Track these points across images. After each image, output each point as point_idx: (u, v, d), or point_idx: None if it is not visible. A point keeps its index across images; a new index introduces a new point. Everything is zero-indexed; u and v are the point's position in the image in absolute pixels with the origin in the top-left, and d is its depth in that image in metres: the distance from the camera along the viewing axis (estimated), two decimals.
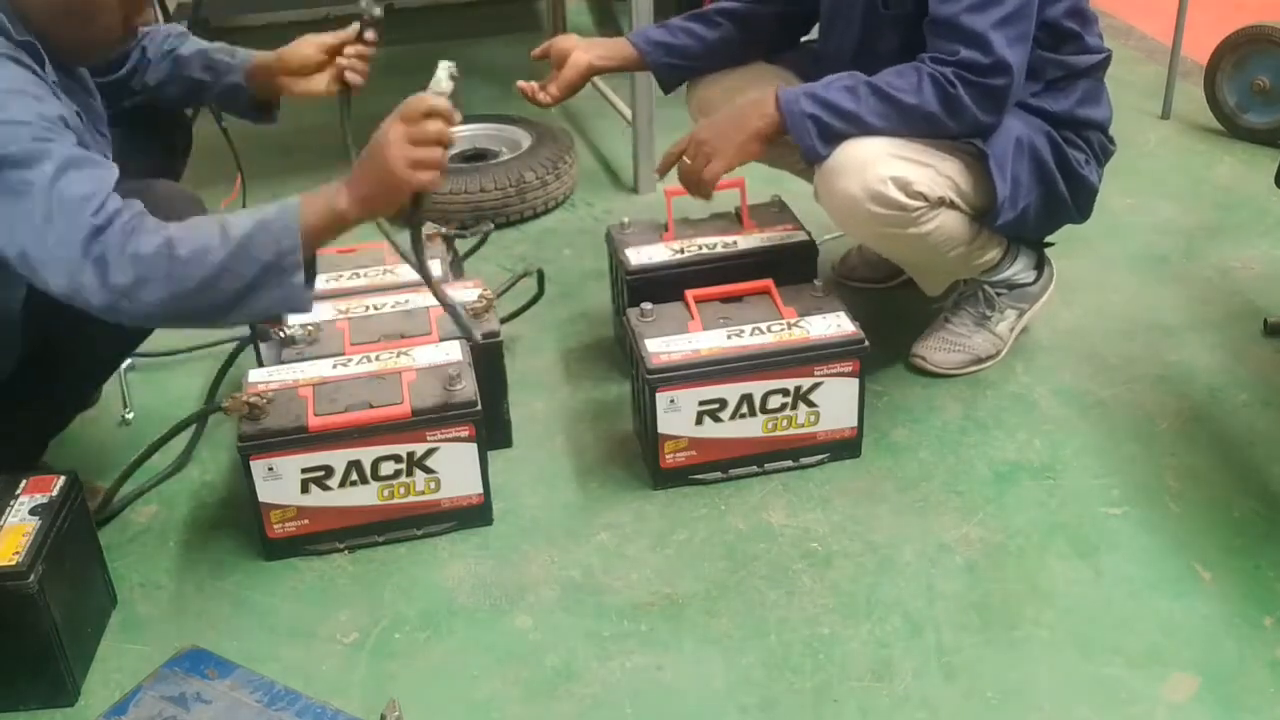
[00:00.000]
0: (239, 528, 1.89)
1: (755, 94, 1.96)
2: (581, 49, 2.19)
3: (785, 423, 1.95)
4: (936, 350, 2.21)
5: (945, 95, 1.85)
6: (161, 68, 1.93)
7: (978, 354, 2.22)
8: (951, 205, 1.95)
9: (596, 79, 3.40)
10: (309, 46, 1.92)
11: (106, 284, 1.45)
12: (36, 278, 1.48)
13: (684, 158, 1.97)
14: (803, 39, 2.33)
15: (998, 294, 2.21)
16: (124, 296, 1.45)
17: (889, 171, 1.87)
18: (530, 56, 2.26)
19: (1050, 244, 2.28)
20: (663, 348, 1.89)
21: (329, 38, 1.91)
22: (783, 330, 1.92)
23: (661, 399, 1.88)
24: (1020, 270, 2.21)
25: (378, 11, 1.85)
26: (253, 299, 1.49)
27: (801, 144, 1.90)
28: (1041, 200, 2.02)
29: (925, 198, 1.90)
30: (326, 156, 3.21)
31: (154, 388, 2.27)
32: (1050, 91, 2.02)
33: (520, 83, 2.18)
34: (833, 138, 1.89)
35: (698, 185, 1.97)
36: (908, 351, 2.24)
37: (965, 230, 2.01)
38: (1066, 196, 2.05)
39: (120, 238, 1.45)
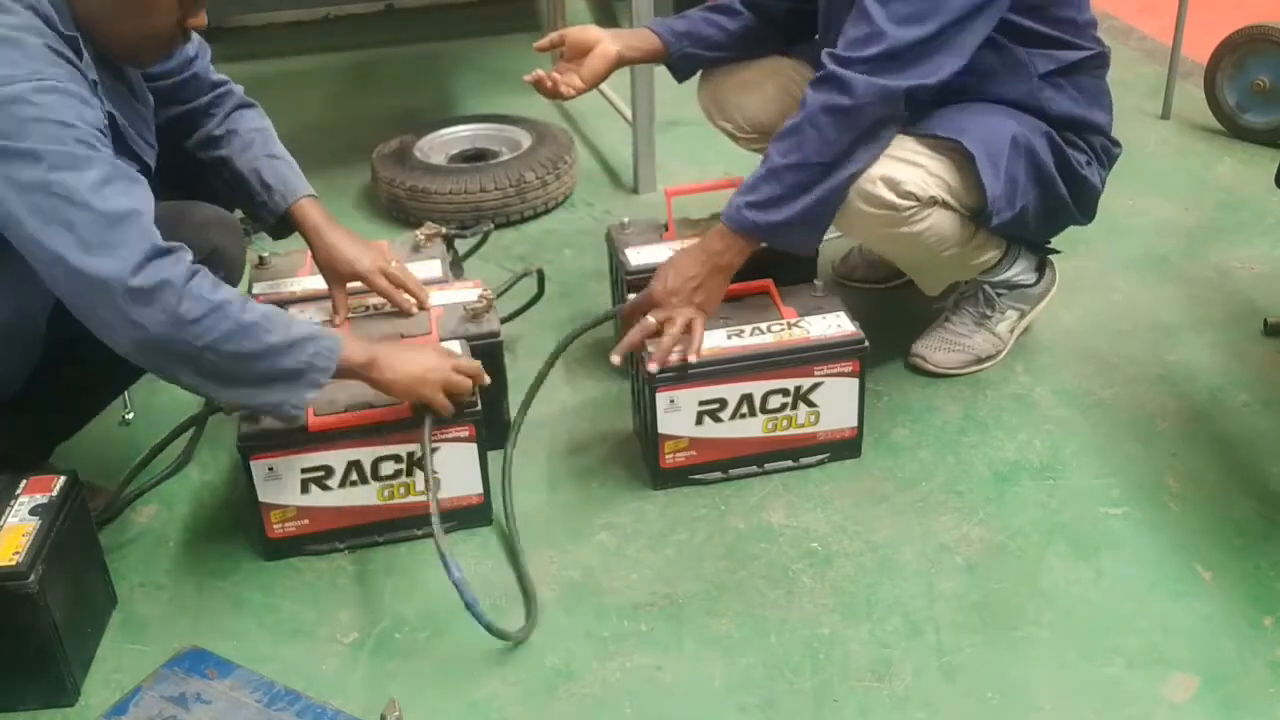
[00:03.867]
0: (239, 528, 1.90)
1: (697, 244, 1.90)
2: (608, 39, 2.15)
3: (785, 423, 1.95)
4: (936, 350, 2.21)
5: (829, 82, 1.79)
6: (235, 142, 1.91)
7: (978, 354, 2.22)
8: (944, 205, 1.95)
9: None
10: (348, 268, 1.93)
11: (169, 310, 1.46)
12: (66, 287, 1.47)
13: (659, 335, 1.86)
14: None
15: (998, 294, 2.21)
16: (184, 327, 1.47)
17: (879, 171, 1.87)
18: (535, 48, 2.21)
19: (1055, 251, 2.27)
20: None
21: (380, 285, 1.94)
22: (783, 330, 1.92)
23: (661, 399, 1.88)
24: (1021, 271, 2.20)
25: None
26: (268, 389, 1.58)
27: (764, 238, 1.85)
28: (1041, 201, 2.01)
29: (916, 197, 1.90)
30: (327, 156, 3.24)
31: (154, 388, 2.26)
32: (1048, 87, 1.99)
33: (537, 73, 2.11)
34: (773, 202, 1.82)
35: (687, 348, 1.86)
36: (908, 351, 2.24)
37: (959, 230, 2.00)
38: (1067, 198, 2.05)
39: (187, 271, 1.48)
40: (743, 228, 1.85)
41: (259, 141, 1.93)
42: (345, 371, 1.65)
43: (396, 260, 2.02)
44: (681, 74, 2.28)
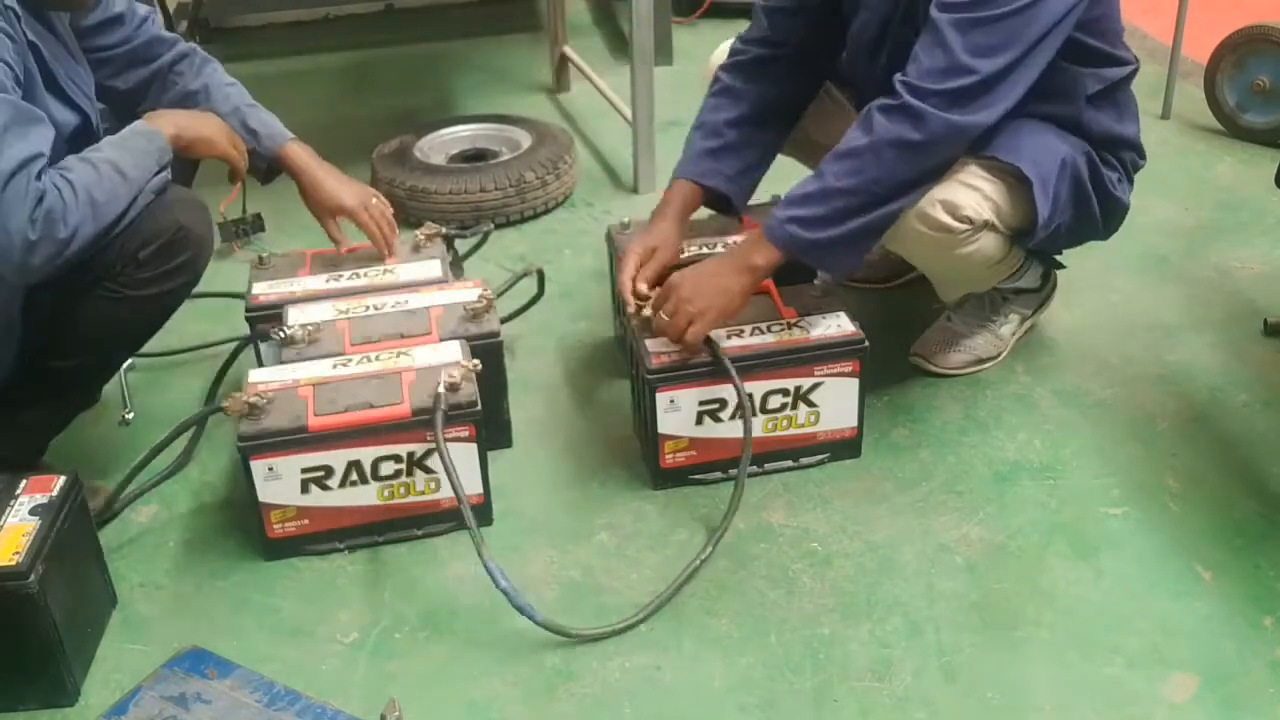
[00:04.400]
0: (239, 528, 1.90)
1: (733, 246, 1.89)
2: (671, 241, 2.02)
3: (785, 423, 1.95)
4: (937, 350, 2.21)
5: (902, 113, 1.74)
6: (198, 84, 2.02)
7: (979, 354, 2.21)
8: (991, 227, 1.92)
9: (595, 76, 3.40)
10: (334, 203, 2.09)
11: (55, 248, 1.56)
12: None
13: (661, 313, 1.85)
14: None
15: (1003, 298, 2.21)
16: (65, 247, 1.57)
17: (939, 194, 1.84)
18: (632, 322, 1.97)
19: (1061, 266, 2.27)
20: (663, 348, 1.89)
21: (363, 219, 2.10)
22: (783, 330, 1.92)
23: (661, 399, 1.88)
24: (1029, 278, 2.20)
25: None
26: (144, 200, 1.72)
27: (801, 255, 1.82)
28: (1074, 219, 1.99)
29: (971, 221, 1.87)
30: (327, 156, 3.22)
31: (154, 388, 2.27)
32: (1093, 107, 1.96)
33: (630, 314, 1.96)
34: (820, 221, 1.77)
35: (676, 341, 1.85)
36: (908, 351, 2.24)
37: (999, 249, 1.98)
38: (1098, 217, 2.03)
39: (55, 196, 1.57)
40: (783, 242, 1.80)
41: (235, 93, 2.04)
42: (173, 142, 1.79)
43: (378, 198, 2.15)
44: (744, 202, 2.13)
